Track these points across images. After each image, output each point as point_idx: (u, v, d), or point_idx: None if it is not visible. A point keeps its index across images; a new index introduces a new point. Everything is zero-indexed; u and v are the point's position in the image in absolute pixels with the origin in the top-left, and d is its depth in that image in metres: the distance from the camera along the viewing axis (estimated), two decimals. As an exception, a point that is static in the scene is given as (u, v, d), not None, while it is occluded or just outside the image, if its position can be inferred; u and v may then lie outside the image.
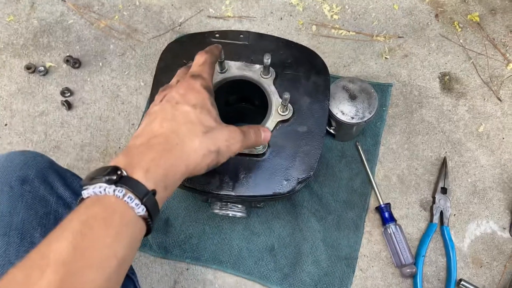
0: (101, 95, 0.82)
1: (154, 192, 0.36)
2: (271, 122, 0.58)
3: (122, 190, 0.34)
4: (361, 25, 0.87)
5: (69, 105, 0.80)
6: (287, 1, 0.90)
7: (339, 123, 0.68)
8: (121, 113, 0.81)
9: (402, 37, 0.86)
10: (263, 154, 0.56)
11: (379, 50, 0.85)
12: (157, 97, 0.45)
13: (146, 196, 0.35)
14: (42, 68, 0.83)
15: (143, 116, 0.79)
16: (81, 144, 0.78)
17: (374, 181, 0.73)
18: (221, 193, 0.55)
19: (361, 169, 0.75)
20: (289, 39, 0.65)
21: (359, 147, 0.75)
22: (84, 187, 0.35)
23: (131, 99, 0.82)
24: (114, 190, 0.34)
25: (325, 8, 0.89)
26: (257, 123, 0.59)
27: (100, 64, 0.85)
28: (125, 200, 0.34)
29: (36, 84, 0.83)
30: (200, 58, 0.48)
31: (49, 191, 0.49)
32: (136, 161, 0.36)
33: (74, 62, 0.83)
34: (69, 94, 0.81)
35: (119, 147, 0.78)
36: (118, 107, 0.81)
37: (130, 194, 0.34)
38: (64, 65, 0.84)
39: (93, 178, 0.35)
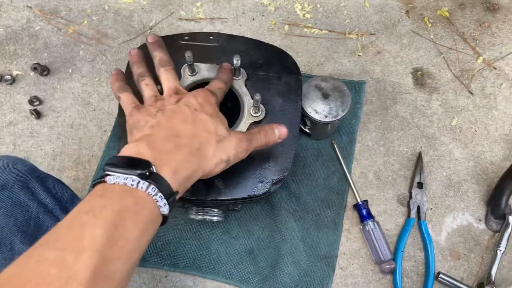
0: (72, 102, 0.80)
1: (176, 193, 0.37)
2: (244, 123, 0.57)
3: (155, 189, 0.35)
4: (333, 24, 0.88)
5: (38, 114, 0.78)
6: (259, 1, 0.89)
7: (314, 122, 0.68)
8: (93, 120, 0.79)
9: (374, 34, 0.87)
10: (236, 156, 0.56)
11: (352, 47, 0.85)
12: (170, 97, 0.47)
13: (171, 196, 0.36)
14: (9, 77, 0.80)
15: (118, 120, 0.78)
16: (52, 154, 0.76)
17: (351, 178, 0.73)
18: (195, 198, 0.54)
19: (338, 167, 0.75)
20: (261, 40, 0.64)
21: (335, 145, 0.75)
22: (109, 172, 0.35)
23: (103, 106, 0.80)
24: (147, 187, 0.34)
25: (297, 7, 0.89)
26: (230, 124, 0.58)
27: (70, 70, 0.83)
28: (155, 198, 0.35)
29: (2, 93, 0.80)
30: (219, 84, 0.53)
31: (29, 197, 0.48)
32: (166, 159, 0.38)
33: (42, 70, 0.81)
34: (38, 102, 0.79)
35: (92, 155, 0.76)
36: (90, 114, 0.79)
37: (160, 194, 0.35)
38: (32, 73, 0.82)
39: (121, 166, 0.35)
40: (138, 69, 0.51)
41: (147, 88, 0.49)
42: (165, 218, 0.37)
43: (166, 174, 0.36)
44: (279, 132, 0.50)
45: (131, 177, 0.34)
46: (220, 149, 0.44)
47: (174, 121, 0.42)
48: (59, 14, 0.87)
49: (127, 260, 0.32)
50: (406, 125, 0.79)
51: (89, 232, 0.30)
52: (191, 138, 0.41)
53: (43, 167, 0.75)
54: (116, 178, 0.35)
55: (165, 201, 0.35)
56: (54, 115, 0.79)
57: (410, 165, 0.76)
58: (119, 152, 0.42)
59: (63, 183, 0.55)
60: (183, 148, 0.40)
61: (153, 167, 0.36)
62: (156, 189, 0.35)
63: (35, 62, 0.82)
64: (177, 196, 0.38)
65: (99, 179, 0.36)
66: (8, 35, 0.85)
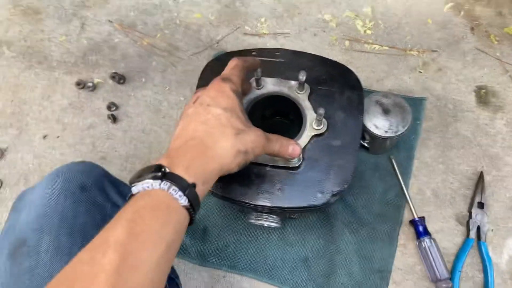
0: (144, 109, 0.87)
1: (194, 185, 0.40)
2: (305, 136, 0.60)
3: (167, 183, 0.38)
4: (394, 40, 0.89)
5: (114, 119, 0.86)
6: (321, 17, 0.92)
7: (373, 136, 0.70)
8: (163, 126, 0.85)
9: (436, 51, 0.87)
10: (298, 167, 0.59)
11: (412, 64, 0.86)
12: (191, 99, 0.50)
13: (187, 188, 0.39)
14: (91, 84, 0.89)
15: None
16: (125, 156, 0.83)
17: (408, 194, 0.74)
18: (258, 203, 0.58)
19: (395, 182, 0.75)
20: (323, 55, 0.67)
21: (393, 160, 0.76)
22: (132, 185, 0.39)
23: (172, 113, 0.86)
24: (159, 184, 0.38)
25: (358, 23, 0.91)
26: (292, 136, 0.61)
27: (143, 80, 0.90)
28: (169, 192, 0.38)
29: (85, 99, 0.89)
30: (232, 63, 0.52)
31: (104, 198, 0.53)
32: (177, 159, 0.41)
33: (119, 78, 0.89)
34: (114, 108, 0.87)
35: (160, 159, 0.82)
36: (160, 120, 0.86)
37: (174, 187, 0.38)
38: (110, 81, 0.90)
39: (140, 176, 0.39)
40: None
41: None
42: (189, 210, 0.39)
43: (179, 171, 0.39)
44: (293, 150, 0.52)
45: (145, 181, 0.38)
46: (238, 141, 0.45)
47: (189, 128, 0.45)
48: (136, 28, 0.95)
49: (152, 251, 0.35)
50: (467, 143, 0.78)
51: (113, 232, 0.35)
52: (203, 137, 0.43)
53: (116, 167, 0.82)
54: (137, 186, 0.39)
55: (180, 193, 0.38)
56: (128, 120, 0.86)
57: (471, 185, 0.75)
58: None
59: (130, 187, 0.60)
60: (192, 147, 0.42)
61: (167, 168, 0.39)
62: (169, 183, 0.37)
63: (114, 71, 0.90)
64: (202, 188, 0.41)
65: (130, 193, 0.40)
66: (91, 46, 0.94)
